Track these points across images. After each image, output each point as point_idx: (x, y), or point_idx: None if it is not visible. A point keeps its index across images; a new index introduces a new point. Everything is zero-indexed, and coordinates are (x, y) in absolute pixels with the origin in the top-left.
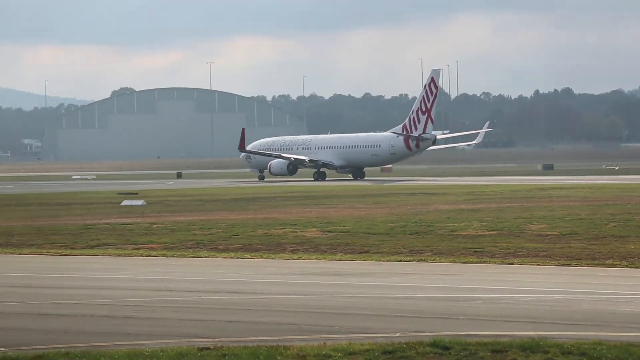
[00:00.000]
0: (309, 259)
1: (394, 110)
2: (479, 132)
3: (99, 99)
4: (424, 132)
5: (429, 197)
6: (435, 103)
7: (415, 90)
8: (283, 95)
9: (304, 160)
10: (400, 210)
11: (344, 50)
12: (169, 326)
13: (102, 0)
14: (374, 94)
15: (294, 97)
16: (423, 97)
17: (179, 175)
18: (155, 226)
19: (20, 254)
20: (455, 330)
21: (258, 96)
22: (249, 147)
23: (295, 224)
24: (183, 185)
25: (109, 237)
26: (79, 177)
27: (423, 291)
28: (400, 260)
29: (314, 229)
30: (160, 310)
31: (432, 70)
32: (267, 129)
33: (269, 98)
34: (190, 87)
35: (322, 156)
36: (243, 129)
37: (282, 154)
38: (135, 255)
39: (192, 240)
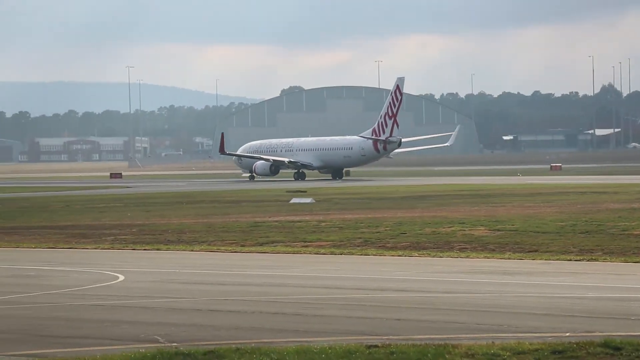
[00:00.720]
0: (477, 258)
1: (563, 108)
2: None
3: (269, 98)
4: (390, 135)
5: (600, 195)
6: (400, 108)
7: (585, 88)
8: (451, 94)
9: (284, 161)
10: (570, 209)
11: (513, 48)
12: (337, 324)
13: (271, 0)
14: (543, 91)
15: (462, 95)
16: (389, 103)
17: (346, 174)
18: (323, 224)
19: (191, 250)
20: (627, 331)
21: (426, 94)
22: (240, 150)
23: (463, 222)
24: (350, 184)
25: (278, 235)
26: (247, 175)
27: (594, 291)
28: (570, 260)
29: (482, 228)
30: (328, 308)
31: (397, 78)
32: (435, 127)
33: (437, 96)
34: (359, 85)
35: (302, 158)
36: (222, 134)
37: (262, 156)
38: (304, 253)
39: (359, 238)
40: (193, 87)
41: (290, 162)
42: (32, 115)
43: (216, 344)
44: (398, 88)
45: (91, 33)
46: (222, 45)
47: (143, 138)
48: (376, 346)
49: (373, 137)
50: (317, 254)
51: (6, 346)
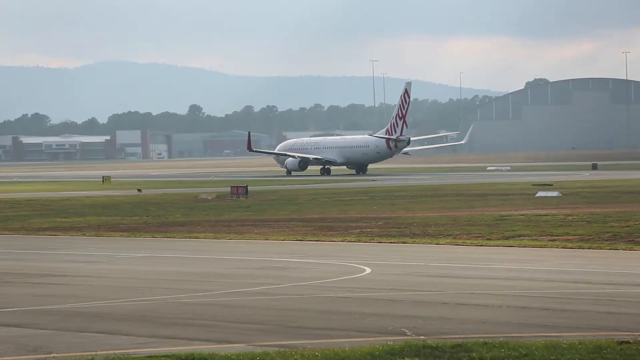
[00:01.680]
0: None
1: None
2: None
3: (513, 90)
4: (400, 134)
5: None
6: (408, 110)
7: None
8: None
9: (309, 158)
10: None
11: None
12: (586, 319)
13: None
14: None
15: None
16: (399, 105)
17: (594, 167)
18: (570, 218)
19: (437, 244)
20: None
21: None
22: (277, 148)
23: None
24: (598, 177)
25: (524, 229)
26: (494, 168)
27: None
28: None
29: None
30: (576, 303)
31: (405, 82)
32: None
33: None
34: (605, 77)
35: (328, 155)
36: (249, 133)
37: (287, 153)
38: (551, 247)
39: (608, 232)
40: (436, 81)
41: (315, 158)
42: (279, 110)
43: (463, 338)
44: (406, 92)
45: (337, 28)
46: (464, 38)
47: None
48: (628, 342)
49: (386, 136)
50: (564, 248)
51: (256, 336)
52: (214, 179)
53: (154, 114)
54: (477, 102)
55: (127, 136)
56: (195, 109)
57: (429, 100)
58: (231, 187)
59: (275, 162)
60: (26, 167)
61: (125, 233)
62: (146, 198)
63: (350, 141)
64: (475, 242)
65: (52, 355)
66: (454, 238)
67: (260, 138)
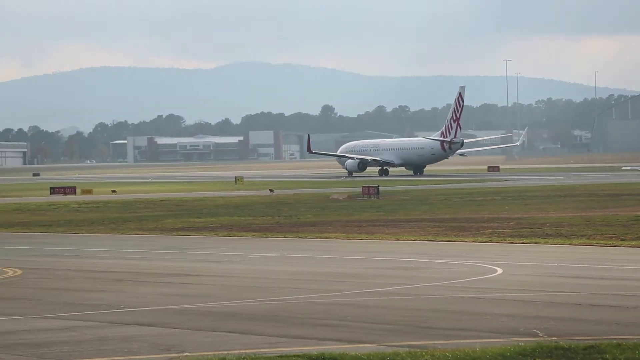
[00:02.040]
0: None
1: None
2: None
3: None
4: (455, 137)
5: None
6: (462, 113)
7: None
8: None
9: (368, 159)
10: None
11: None
12: None
13: None
14: None
15: None
16: (453, 109)
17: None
18: None
19: (570, 244)
20: None
21: None
22: (339, 150)
23: None
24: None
25: None
26: (629, 168)
27: None
28: None
29: None
30: None
31: (460, 87)
32: None
33: None
34: None
35: (386, 156)
36: (308, 135)
37: (347, 155)
38: None
39: None
40: (571, 80)
41: (373, 160)
42: (411, 110)
43: (597, 339)
44: (460, 95)
45: (470, 27)
46: (598, 36)
47: (520, 131)
48: None
49: (441, 138)
50: None
51: (387, 337)
52: (345, 179)
53: (286, 114)
54: (613, 102)
55: (260, 137)
56: (327, 109)
57: (563, 100)
58: (362, 187)
59: (338, 163)
60: (161, 168)
61: (257, 233)
62: (278, 198)
63: (407, 143)
64: (609, 242)
65: (184, 354)
66: (588, 238)
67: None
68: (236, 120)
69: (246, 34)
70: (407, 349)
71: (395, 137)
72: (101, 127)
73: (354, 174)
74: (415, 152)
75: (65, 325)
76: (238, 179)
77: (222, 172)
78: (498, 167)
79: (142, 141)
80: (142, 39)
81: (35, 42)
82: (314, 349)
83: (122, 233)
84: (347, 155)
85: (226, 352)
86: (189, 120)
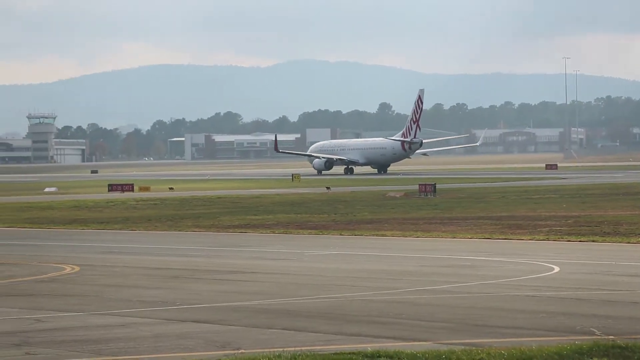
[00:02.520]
0: None
1: None
2: None
3: None
4: (414, 137)
5: None
6: (421, 115)
7: None
8: None
9: (334, 159)
10: None
11: None
12: None
13: None
14: None
15: None
16: (413, 110)
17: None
18: None
19: (628, 242)
20: None
21: None
22: (309, 149)
23: None
24: None
25: None
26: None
27: None
28: None
29: None
30: None
31: (419, 90)
32: None
33: None
34: None
35: (351, 156)
36: (275, 135)
37: (313, 154)
38: None
39: None
40: (630, 77)
41: (338, 159)
42: (469, 107)
43: None
44: (419, 98)
45: (527, 24)
46: None
47: (579, 129)
48: None
49: (401, 139)
50: None
51: (442, 334)
52: (402, 177)
53: (343, 112)
54: None
55: (317, 134)
56: (384, 107)
57: (622, 98)
58: (419, 184)
59: (308, 162)
60: (217, 165)
61: (314, 231)
62: (335, 196)
63: (371, 143)
64: None
65: (240, 350)
66: None
67: (449, 136)
68: (293, 117)
69: (304, 32)
70: (462, 347)
71: (453, 135)
72: (159, 125)
73: (323, 172)
74: (378, 151)
75: (121, 322)
76: (295, 177)
77: (279, 169)
78: (556, 165)
79: (200, 139)
80: (201, 37)
81: (94, 41)
82: (369, 346)
83: (179, 230)
84: (314, 154)
85: (281, 349)
86: (247, 117)
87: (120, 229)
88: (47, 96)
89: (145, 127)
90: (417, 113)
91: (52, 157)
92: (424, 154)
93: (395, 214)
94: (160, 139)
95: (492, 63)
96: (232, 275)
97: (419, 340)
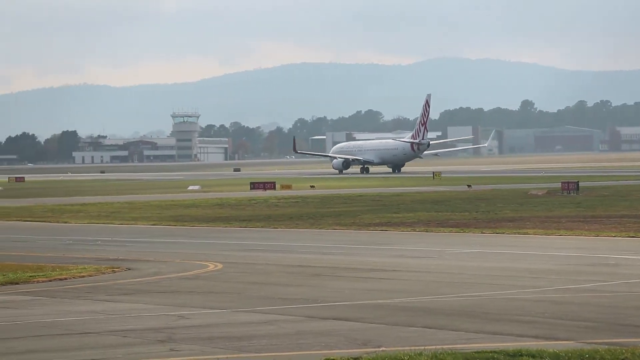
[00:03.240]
0: None
1: None
2: None
3: None
4: (422, 139)
5: None
6: (428, 118)
7: None
8: None
9: (350, 159)
10: None
11: None
12: None
13: None
14: None
15: None
16: (421, 114)
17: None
18: None
19: None
20: None
21: None
22: (331, 150)
23: None
24: None
25: None
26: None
27: None
28: None
29: None
30: None
31: (427, 94)
32: None
33: None
34: None
35: (367, 156)
36: (294, 137)
37: (330, 155)
38: None
39: None
40: None
41: (354, 159)
42: (613, 104)
43: None
44: (427, 102)
45: None
46: None
47: None
48: None
49: (411, 140)
50: None
51: (585, 334)
52: (545, 174)
53: (485, 109)
54: None
55: (458, 132)
56: (527, 104)
57: None
58: (562, 182)
59: (331, 163)
60: None
61: (455, 229)
62: (476, 194)
63: (385, 144)
64: None
65: (381, 348)
66: None
67: (593, 133)
68: (434, 115)
69: (445, 30)
70: (606, 347)
71: (596, 130)
72: (301, 123)
73: (344, 171)
74: (391, 152)
75: (264, 319)
76: (436, 174)
77: (419, 167)
78: None
79: (341, 137)
80: (342, 35)
81: (236, 40)
82: (510, 345)
83: (320, 228)
84: (331, 155)
85: (422, 348)
86: (387, 116)
87: (262, 227)
88: (190, 95)
89: (287, 125)
90: (425, 116)
91: (195, 156)
92: (435, 155)
93: (537, 212)
94: (301, 137)
95: (637, 59)
96: (373, 273)
97: (562, 340)
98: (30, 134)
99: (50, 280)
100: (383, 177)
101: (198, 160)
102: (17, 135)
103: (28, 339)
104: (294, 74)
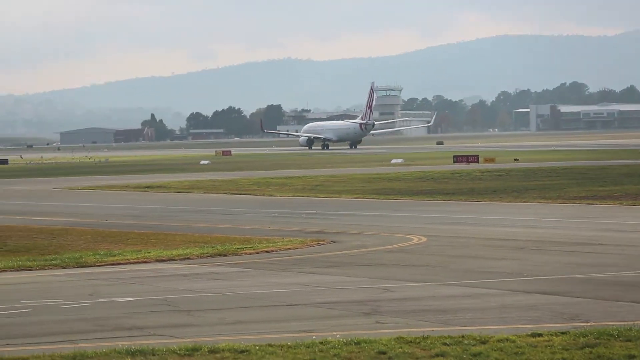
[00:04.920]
0: None
1: None
2: None
3: None
4: (368, 120)
5: None
6: (373, 102)
7: None
8: None
9: (311, 137)
10: None
11: None
12: None
13: None
14: None
15: None
16: (367, 98)
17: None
18: None
19: None
20: None
21: None
22: (302, 130)
23: None
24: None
25: None
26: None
27: None
28: None
29: None
30: None
31: (371, 82)
32: None
33: None
34: None
35: (326, 135)
36: (260, 119)
37: (293, 133)
38: None
39: None
40: None
41: (315, 137)
42: None
43: None
44: (372, 89)
45: None
46: None
47: None
48: None
49: (360, 121)
50: None
51: None
52: None
53: None
54: None
55: None
56: None
57: None
58: None
59: (298, 140)
60: (563, 137)
61: None
62: None
63: (340, 124)
64: None
65: (589, 323)
66: None
67: None
68: None
69: None
70: None
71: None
72: (504, 96)
73: (313, 147)
74: (344, 131)
75: (468, 293)
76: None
77: (627, 140)
78: None
79: (545, 109)
80: (544, 6)
81: (437, 12)
82: None
83: (523, 201)
84: (294, 133)
85: (632, 323)
86: (593, 87)
87: (465, 200)
88: (393, 69)
89: (489, 98)
90: (370, 101)
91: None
92: (372, 135)
93: None
94: (504, 110)
95: None
96: (579, 247)
97: None
98: (236, 108)
99: (257, 253)
100: (578, 149)
101: (401, 133)
102: (223, 110)
103: (237, 310)
104: (496, 46)
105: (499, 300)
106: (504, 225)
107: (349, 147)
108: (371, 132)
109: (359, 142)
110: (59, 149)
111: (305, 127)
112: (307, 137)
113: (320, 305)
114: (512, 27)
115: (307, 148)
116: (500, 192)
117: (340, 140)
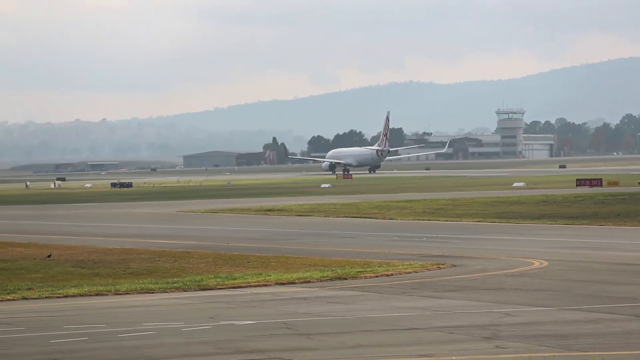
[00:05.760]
0: None
1: None
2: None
3: None
4: (384, 147)
5: None
6: (389, 129)
7: None
8: None
9: (333, 162)
10: None
11: None
12: None
13: None
14: None
15: None
16: (384, 126)
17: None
18: None
19: None
20: None
21: None
22: (327, 155)
23: None
24: None
25: None
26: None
27: None
28: None
29: None
30: None
31: (387, 112)
32: None
33: None
34: None
35: (347, 160)
36: (283, 143)
37: (316, 159)
38: None
39: None
40: None
41: (337, 162)
42: None
43: None
44: (387, 118)
45: None
46: None
47: None
48: None
49: (377, 148)
50: None
51: None
52: None
53: None
54: None
55: None
56: None
57: None
58: None
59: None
60: None
61: None
62: None
63: (359, 151)
64: None
65: None
66: None
67: None
68: None
69: None
70: None
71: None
72: (628, 119)
73: (335, 172)
74: (363, 157)
75: (590, 318)
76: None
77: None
78: None
79: None
80: None
81: (559, 34)
82: None
83: None
84: (317, 159)
85: None
86: None
87: (588, 224)
88: (515, 91)
89: (614, 121)
90: (386, 129)
91: (520, 152)
92: (389, 160)
93: None
94: (629, 133)
95: None
96: None
97: None
98: (357, 131)
99: (377, 276)
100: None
101: (523, 157)
102: (344, 133)
103: (357, 334)
104: (622, 68)
105: (622, 325)
106: (627, 249)
107: (368, 171)
108: (390, 157)
109: (378, 166)
110: (178, 181)
111: (329, 153)
112: (329, 163)
113: (440, 330)
114: (634, 50)
115: (330, 172)
116: (624, 216)
117: (360, 165)
